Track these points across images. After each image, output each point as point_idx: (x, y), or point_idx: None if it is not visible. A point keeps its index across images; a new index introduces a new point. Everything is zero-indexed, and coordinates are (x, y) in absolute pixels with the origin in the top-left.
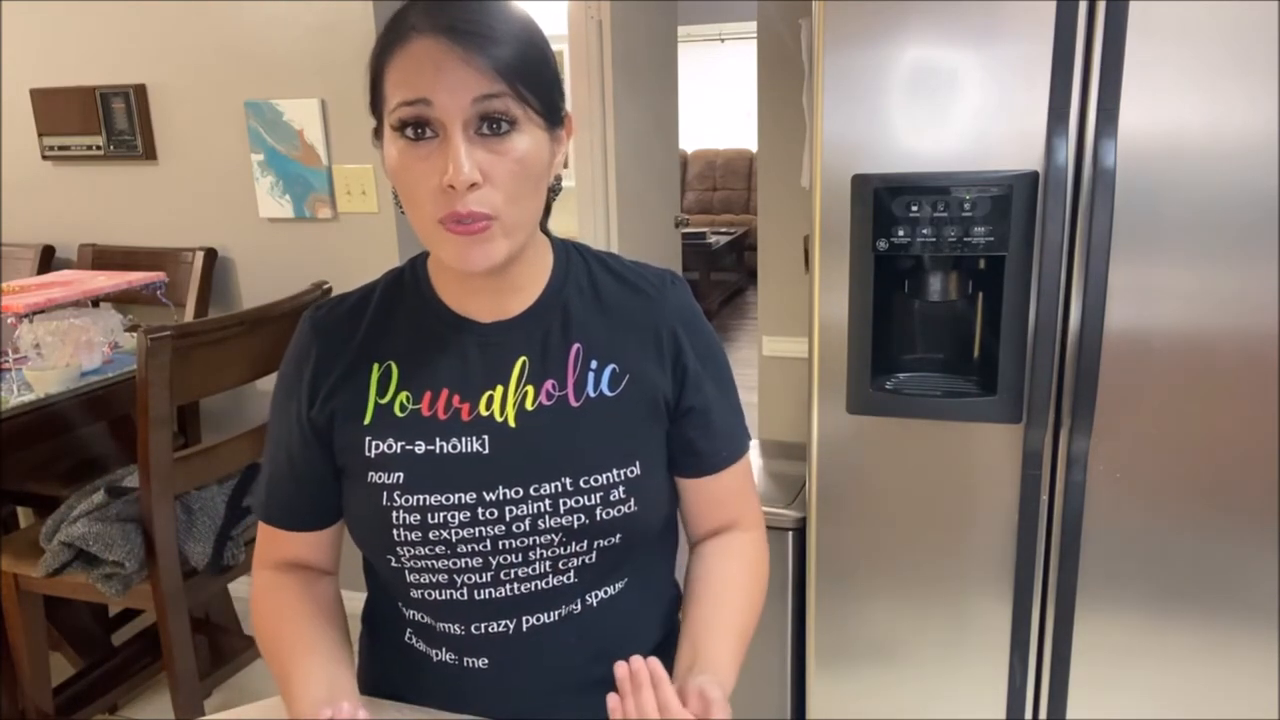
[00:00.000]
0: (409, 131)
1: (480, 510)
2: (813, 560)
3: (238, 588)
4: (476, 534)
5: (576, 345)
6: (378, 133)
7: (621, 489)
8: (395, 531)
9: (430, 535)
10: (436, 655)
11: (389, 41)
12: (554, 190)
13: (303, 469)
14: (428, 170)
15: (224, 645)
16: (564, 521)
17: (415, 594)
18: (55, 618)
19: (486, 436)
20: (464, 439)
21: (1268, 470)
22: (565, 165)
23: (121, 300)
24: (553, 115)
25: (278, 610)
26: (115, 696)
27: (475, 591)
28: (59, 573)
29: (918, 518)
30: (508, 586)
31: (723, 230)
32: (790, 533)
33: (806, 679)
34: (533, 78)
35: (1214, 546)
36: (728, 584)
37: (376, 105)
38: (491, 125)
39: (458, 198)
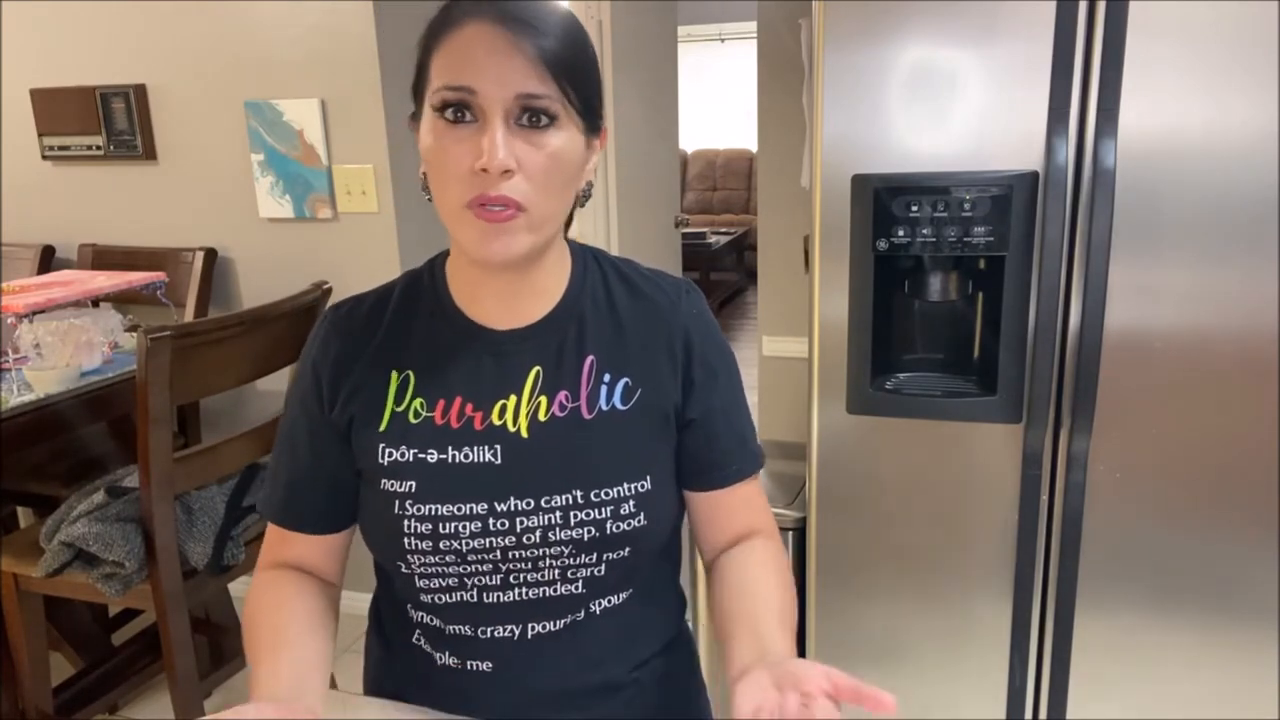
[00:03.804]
0: (449, 113)
1: (491, 521)
2: (813, 560)
3: (238, 588)
4: (487, 544)
5: (590, 357)
6: (415, 116)
7: (632, 503)
8: (406, 540)
9: (441, 545)
10: (440, 659)
11: (439, 24)
12: (583, 196)
13: (330, 469)
14: (462, 153)
15: (224, 645)
16: (574, 534)
17: (425, 598)
18: (55, 618)
19: (499, 446)
20: (476, 448)
21: (1268, 470)
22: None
23: (121, 300)
24: (591, 119)
25: (266, 605)
26: (115, 696)
27: (485, 594)
28: (59, 573)
29: (918, 517)
30: (516, 591)
31: (723, 230)
32: (790, 533)
33: None
34: (579, 77)
35: (1214, 546)
36: (766, 582)
37: (419, 88)
38: (532, 118)
39: (489, 182)
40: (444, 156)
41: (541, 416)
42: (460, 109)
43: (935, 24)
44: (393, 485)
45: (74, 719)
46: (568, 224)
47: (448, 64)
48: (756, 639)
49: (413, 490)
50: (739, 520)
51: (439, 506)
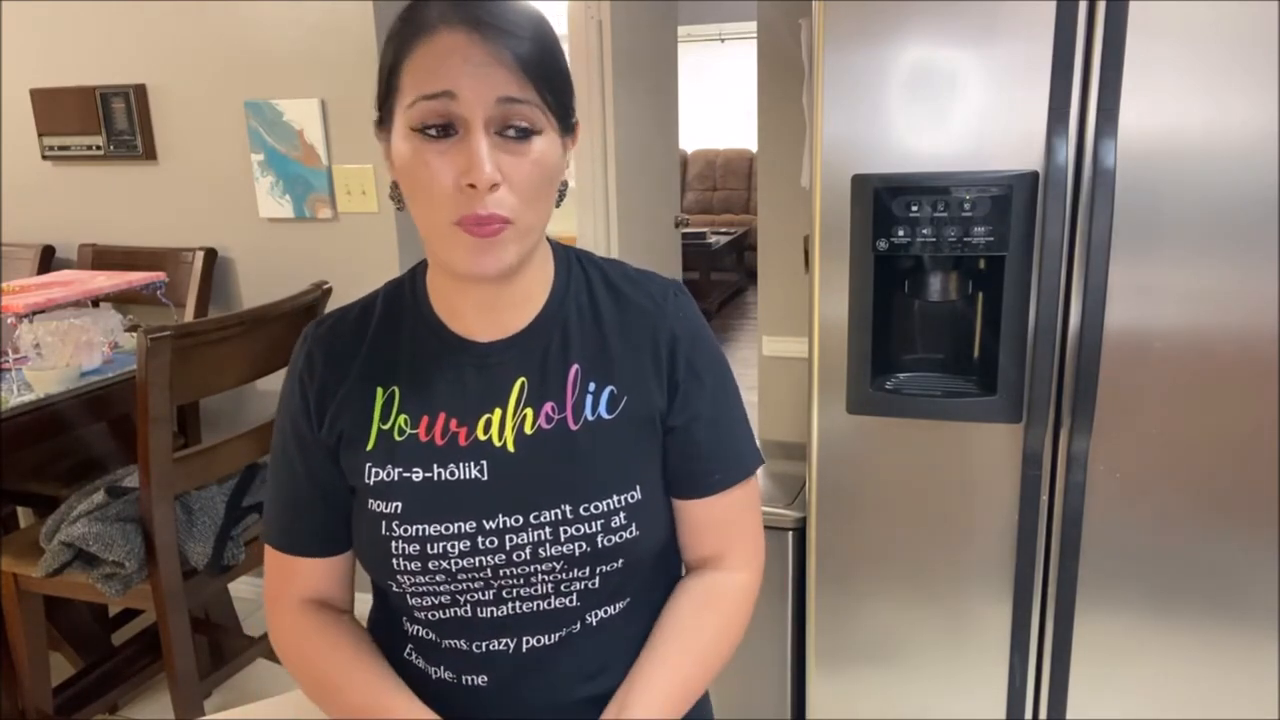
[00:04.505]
0: (429, 130)
1: (480, 539)
2: (813, 560)
3: (238, 588)
4: (477, 563)
5: (575, 366)
6: (381, 123)
7: (623, 515)
8: (395, 561)
9: (430, 565)
10: (435, 673)
11: (409, 34)
12: (560, 195)
13: (327, 489)
14: (444, 166)
15: (224, 645)
16: (565, 550)
17: (419, 614)
18: (55, 618)
19: (485, 462)
20: (462, 465)
21: (1268, 470)
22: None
23: (121, 300)
24: (565, 120)
25: (330, 652)
26: (115, 696)
27: (478, 609)
28: (59, 573)
29: (918, 518)
30: (510, 605)
31: (723, 230)
32: (790, 533)
33: (806, 679)
34: (553, 81)
35: (1214, 546)
36: (685, 634)
37: (387, 99)
38: (516, 130)
39: (477, 198)
40: (425, 172)
41: (528, 429)
42: (442, 128)
43: (935, 24)
44: (380, 506)
45: (74, 719)
46: None
47: (423, 74)
48: (621, 704)
49: (399, 511)
50: (714, 539)
51: (426, 527)
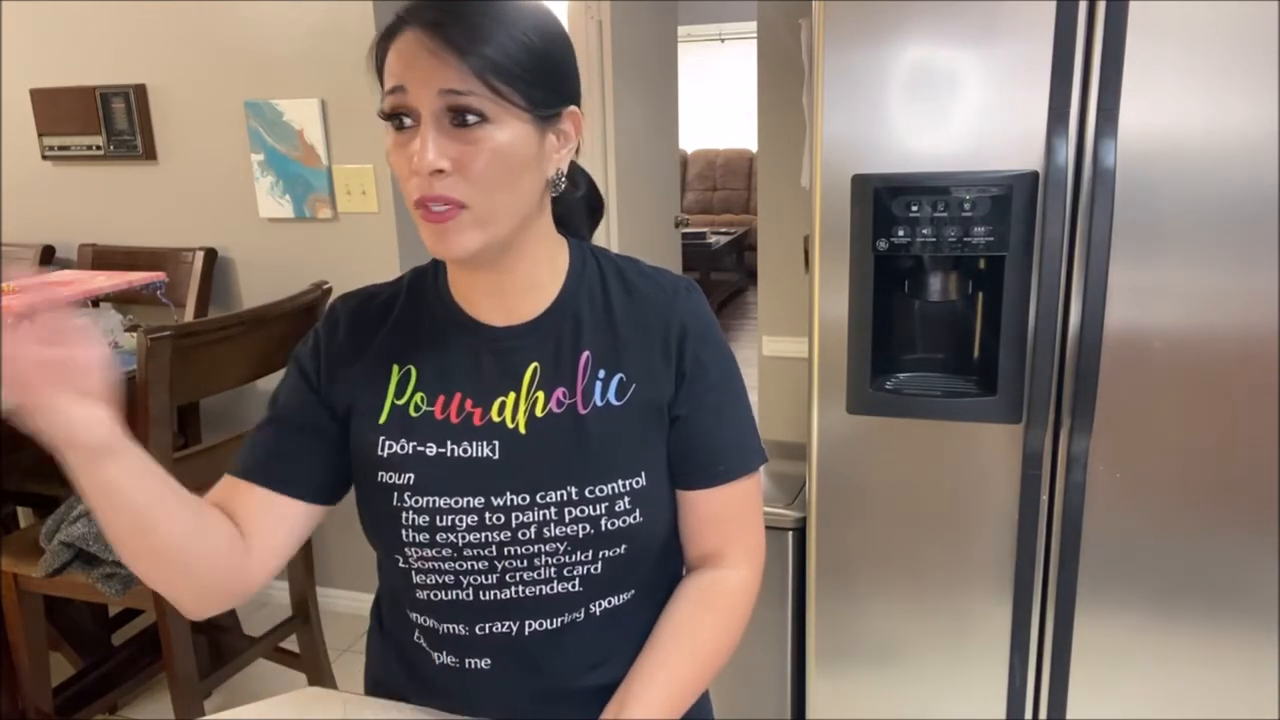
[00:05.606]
0: (395, 121)
1: (488, 515)
2: (813, 560)
3: None
4: (483, 539)
5: (586, 353)
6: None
7: (627, 499)
8: (404, 532)
9: (438, 538)
10: (439, 658)
11: (385, 34)
12: (554, 185)
13: (305, 425)
14: (403, 156)
15: (224, 645)
16: (569, 531)
17: (421, 595)
18: (55, 618)
19: (497, 442)
20: (475, 443)
21: (1268, 470)
22: (576, 155)
23: (121, 300)
24: (540, 108)
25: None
26: (115, 696)
27: (481, 592)
28: (59, 573)
29: (918, 518)
30: (512, 589)
31: (723, 230)
32: (790, 533)
33: (806, 679)
34: (513, 72)
35: (1214, 546)
36: (685, 633)
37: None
38: (458, 118)
39: (427, 182)
40: (393, 160)
41: (539, 412)
42: (400, 116)
43: (935, 24)
44: (391, 478)
45: (74, 719)
46: (564, 214)
47: (389, 71)
48: (620, 704)
49: (411, 482)
50: (715, 533)
51: (436, 499)
